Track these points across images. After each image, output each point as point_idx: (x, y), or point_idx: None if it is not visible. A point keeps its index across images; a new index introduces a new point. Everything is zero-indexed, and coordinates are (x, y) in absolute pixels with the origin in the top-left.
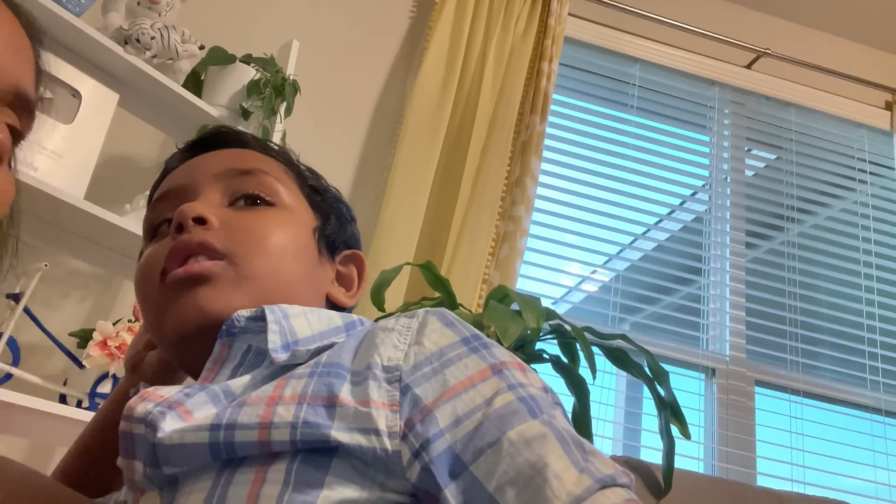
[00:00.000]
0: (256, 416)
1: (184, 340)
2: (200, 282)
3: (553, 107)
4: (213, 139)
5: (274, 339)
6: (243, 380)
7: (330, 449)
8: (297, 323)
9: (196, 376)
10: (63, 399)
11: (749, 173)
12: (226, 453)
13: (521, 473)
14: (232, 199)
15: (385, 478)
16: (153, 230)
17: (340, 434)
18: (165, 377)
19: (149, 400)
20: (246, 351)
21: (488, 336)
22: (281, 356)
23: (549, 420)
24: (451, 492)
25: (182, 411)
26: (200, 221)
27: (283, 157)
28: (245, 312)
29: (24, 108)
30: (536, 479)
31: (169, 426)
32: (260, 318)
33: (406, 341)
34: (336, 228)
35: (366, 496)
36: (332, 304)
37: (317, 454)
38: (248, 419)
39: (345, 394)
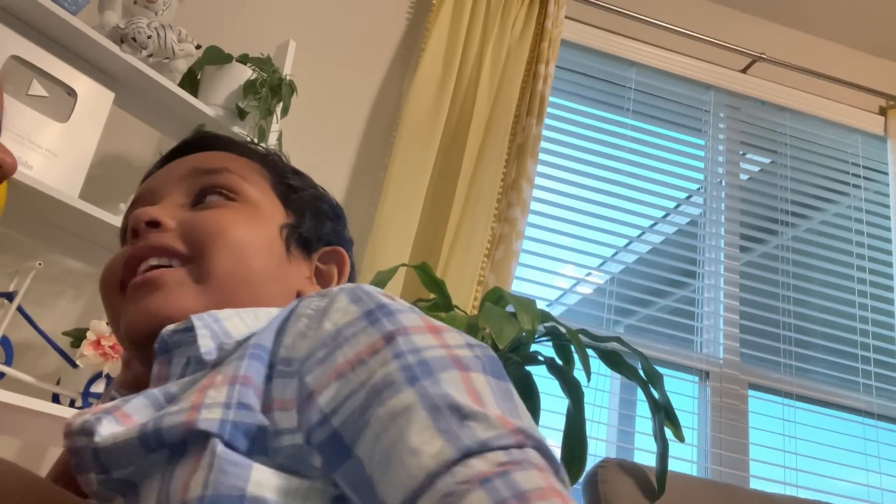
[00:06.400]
0: (188, 402)
1: (138, 346)
2: (153, 287)
3: (549, 109)
4: (189, 144)
5: (206, 343)
6: (183, 381)
7: (258, 441)
8: (231, 325)
9: None
10: (56, 398)
11: (744, 177)
12: (154, 442)
13: (386, 454)
14: (195, 199)
15: (307, 470)
16: (123, 237)
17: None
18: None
19: (86, 413)
20: (186, 364)
21: (482, 338)
22: (213, 356)
23: (426, 387)
24: (340, 479)
25: (119, 415)
26: (155, 224)
27: (259, 156)
28: (172, 326)
29: None
30: (393, 459)
31: (105, 430)
32: (190, 329)
33: (313, 326)
34: (311, 225)
35: (296, 484)
36: None
37: (249, 449)
38: (178, 407)
39: (262, 386)
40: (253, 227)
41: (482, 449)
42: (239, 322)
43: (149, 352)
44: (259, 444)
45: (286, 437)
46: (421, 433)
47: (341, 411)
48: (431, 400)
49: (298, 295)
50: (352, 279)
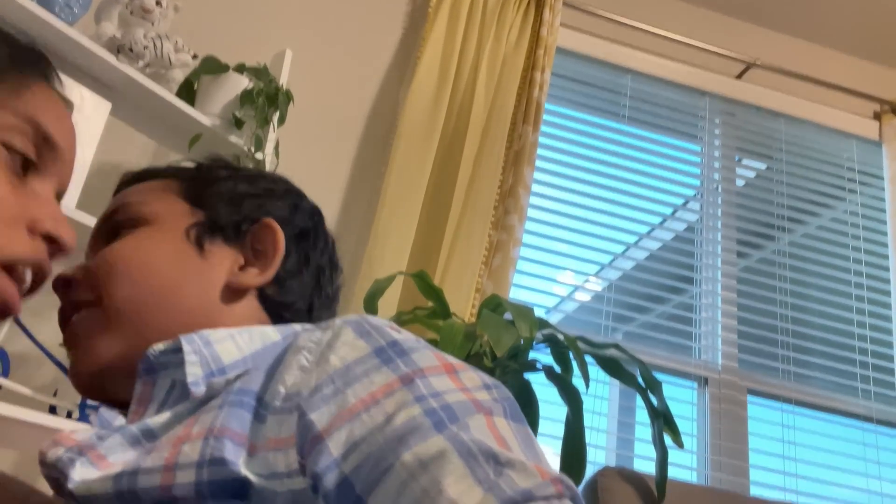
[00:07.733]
0: (161, 458)
1: (90, 396)
2: (73, 340)
3: (545, 116)
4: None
5: (194, 371)
6: (164, 416)
7: (244, 490)
8: (223, 348)
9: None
10: (53, 410)
11: (740, 183)
12: (131, 500)
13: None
14: (107, 243)
15: None
16: None
17: (249, 471)
18: None
19: (60, 445)
20: (171, 387)
21: (481, 346)
22: (200, 389)
23: (457, 432)
24: None
25: (94, 456)
26: (68, 283)
27: (170, 172)
28: (160, 346)
29: None
30: None
31: (78, 475)
32: (179, 350)
33: (314, 360)
34: (227, 212)
35: None
36: (255, 293)
37: (233, 498)
38: (153, 463)
39: (248, 431)
40: (146, 246)
41: (525, 499)
42: (231, 346)
43: (104, 398)
44: (245, 491)
45: (283, 480)
46: (458, 483)
47: (353, 456)
48: (465, 446)
49: (228, 286)
50: (313, 243)
